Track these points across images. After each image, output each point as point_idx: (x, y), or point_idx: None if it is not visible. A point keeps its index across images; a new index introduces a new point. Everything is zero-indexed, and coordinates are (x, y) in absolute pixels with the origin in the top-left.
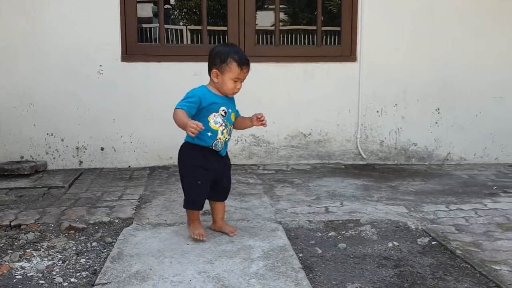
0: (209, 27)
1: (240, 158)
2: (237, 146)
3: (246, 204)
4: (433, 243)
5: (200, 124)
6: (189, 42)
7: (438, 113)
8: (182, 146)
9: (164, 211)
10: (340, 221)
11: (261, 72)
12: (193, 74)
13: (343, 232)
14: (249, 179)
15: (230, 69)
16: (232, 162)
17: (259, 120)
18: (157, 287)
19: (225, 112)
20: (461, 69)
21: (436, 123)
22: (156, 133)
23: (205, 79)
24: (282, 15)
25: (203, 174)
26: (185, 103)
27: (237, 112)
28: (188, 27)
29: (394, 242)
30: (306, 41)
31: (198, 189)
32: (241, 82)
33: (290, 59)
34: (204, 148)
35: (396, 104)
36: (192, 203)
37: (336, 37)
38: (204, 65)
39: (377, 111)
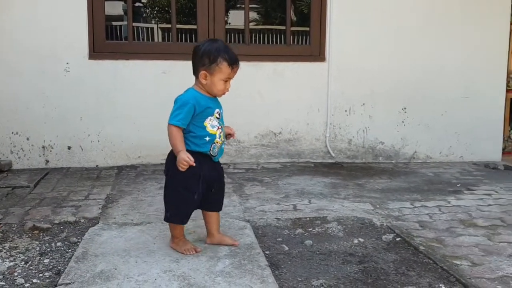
0: (179, 26)
1: None
2: None
3: None
4: (397, 239)
5: (192, 159)
6: (160, 40)
7: (405, 112)
8: (173, 154)
9: (131, 210)
10: (308, 219)
11: None
12: (161, 72)
13: (310, 229)
14: None
15: (220, 69)
16: None
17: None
18: (121, 286)
19: (219, 114)
20: (428, 69)
21: (403, 122)
22: (124, 132)
23: (173, 77)
24: (254, 15)
25: (198, 184)
26: (180, 117)
27: None
28: (159, 25)
29: (360, 239)
30: (278, 41)
31: (189, 200)
32: (230, 81)
33: (260, 58)
34: (200, 154)
35: (363, 104)
36: (180, 217)
37: (307, 37)
38: (173, 63)
39: (346, 111)
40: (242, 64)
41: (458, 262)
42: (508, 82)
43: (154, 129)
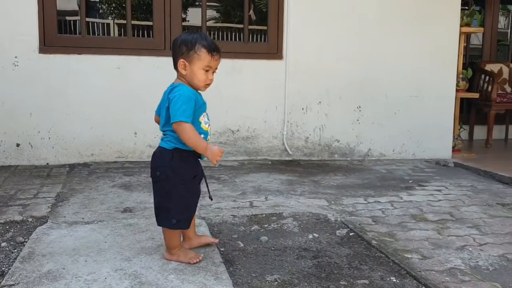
0: (135, 22)
1: None
2: None
3: None
4: (351, 234)
5: (223, 150)
6: (117, 36)
7: (360, 110)
8: (172, 155)
9: (82, 209)
10: (264, 215)
11: None
12: (115, 68)
13: (266, 225)
14: None
15: (199, 56)
16: None
17: None
18: (69, 286)
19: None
20: (381, 68)
21: (358, 120)
22: (76, 129)
23: (128, 73)
24: (214, 13)
25: (198, 186)
26: (188, 112)
27: None
28: (116, 21)
29: (314, 234)
30: (238, 39)
31: (193, 204)
32: (213, 72)
33: None
34: (195, 154)
35: (320, 102)
36: (187, 222)
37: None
38: (128, 59)
39: (302, 109)
40: None
41: (409, 256)
42: (458, 82)
43: (108, 126)
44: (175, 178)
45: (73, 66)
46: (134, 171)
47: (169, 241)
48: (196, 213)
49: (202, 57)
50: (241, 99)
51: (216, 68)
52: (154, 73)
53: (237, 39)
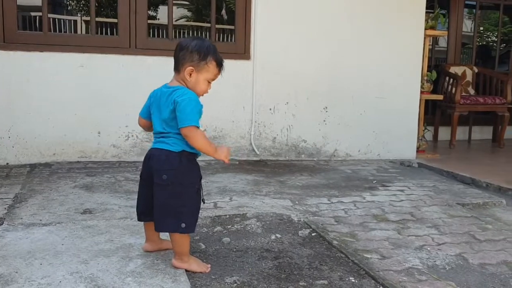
0: (101, 19)
1: (131, 154)
2: (128, 142)
3: (131, 202)
4: (313, 234)
5: (230, 148)
6: (83, 33)
7: (326, 111)
8: (180, 158)
9: (41, 210)
10: (227, 216)
11: (154, 66)
12: (79, 66)
13: (229, 226)
14: (139, 176)
15: (208, 68)
16: (122, 159)
17: None
18: None
19: None
20: (348, 70)
21: (324, 121)
22: (38, 128)
23: (92, 71)
24: (186, 12)
25: (202, 188)
26: (198, 117)
27: None
28: (83, 18)
29: (277, 235)
30: (207, 38)
31: (199, 206)
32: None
33: None
34: (196, 156)
35: (287, 102)
36: (193, 226)
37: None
38: (92, 57)
39: (270, 109)
40: (165, 59)
41: (368, 256)
42: (422, 84)
43: (70, 125)
44: (186, 181)
45: (34, 64)
46: (97, 172)
47: (181, 247)
48: None
49: (211, 69)
50: (208, 99)
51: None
52: (119, 72)
53: (207, 38)
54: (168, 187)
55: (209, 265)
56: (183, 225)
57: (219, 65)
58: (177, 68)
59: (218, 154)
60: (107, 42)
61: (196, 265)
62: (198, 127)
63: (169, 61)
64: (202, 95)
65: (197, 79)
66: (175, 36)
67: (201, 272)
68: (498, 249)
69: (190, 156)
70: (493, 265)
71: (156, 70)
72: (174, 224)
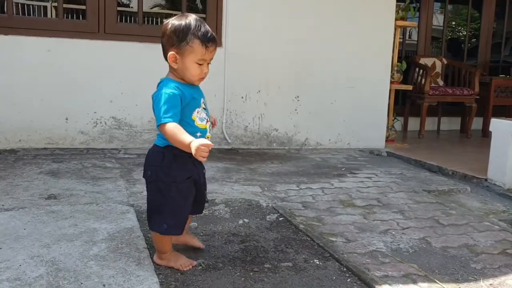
0: (70, 5)
1: (100, 141)
2: (96, 128)
3: (98, 188)
4: (280, 219)
5: (210, 143)
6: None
7: (298, 100)
8: (163, 154)
9: (4, 195)
10: None
11: (123, 52)
12: (46, 50)
13: None
14: (107, 163)
15: (192, 49)
16: (90, 146)
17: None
18: None
19: (205, 104)
20: (319, 59)
21: (296, 110)
22: (3, 114)
23: (60, 56)
24: (159, 0)
25: (192, 188)
26: (170, 113)
27: None
28: (53, 4)
29: (245, 219)
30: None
31: (185, 208)
32: (208, 64)
33: (154, 40)
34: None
35: (259, 91)
36: (176, 228)
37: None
38: (59, 41)
39: (242, 97)
40: (135, 45)
41: (333, 239)
42: (392, 74)
43: (37, 111)
44: (168, 179)
45: None
46: (64, 158)
47: (160, 246)
48: (125, 200)
49: (196, 49)
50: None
51: (212, 59)
52: (87, 57)
53: None
54: (151, 184)
55: (194, 262)
56: (165, 226)
57: (205, 42)
58: (164, 57)
59: (191, 149)
60: (75, 27)
61: (174, 263)
62: (168, 123)
63: (139, 47)
64: (198, 80)
65: (184, 64)
66: (147, 23)
67: (178, 269)
68: (460, 233)
69: (175, 151)
70: (454, 248)
71: (125, 56)
72: (158, 223)
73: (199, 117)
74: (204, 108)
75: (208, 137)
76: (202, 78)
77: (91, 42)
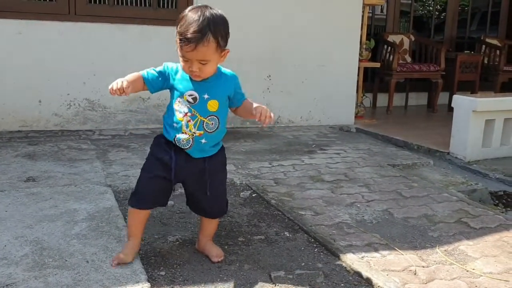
0: None
1: (74, 123)
2: (70, 110)
3: (75, 169)
4: (254, 195)
5: (124, 86)
6: None
7: (270, 79)
8: (157, 136)
9: None
10: None
11: (94, 33)
12: (17, 33)
13: (172, 191)
14: (82, 145)
15: (177, 42)
16: (65, 128)
17: (262, 118)
18: None
19: (194, 99)
20: (290, 38)
21: (268, 89)
22: None
23: (31, 39)
24: None
25: (159, 170)
26: (149, 69)
27: (239, 97)
28: None
29: None
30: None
31: (146, 183)
32: (198, 63)
33: (126, 20)
34: (169, 141)
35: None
36: (136, 201)
37: None
38: (30, 23)
39: None
40: (106, 26)
41: (303, 213)
42: (361, 52)
43: (9, 94)
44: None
45: None
46: (40, 141)
47: (128, 221)
48: (102, 180)
49: (178, 43)
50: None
51: (202, 60)
52: (58, 39)
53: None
54: None
55: (126, 259)
56: (131, 196)
57: (182, 39)
58: None
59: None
60: (45, 8)
61: (121, 250)
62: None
63: (110, 28)
64: (192, 75)
65: (180, 55)
66: (119, 3)
67: (112, 260)
68: (420, 204)
69: (160, 134)
70: (415, 218)
71: (97, 37)
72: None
73: (178, 108)
74: (189, 102)
75: (184, 132)
76: (196, 75)
77: (62, 24)
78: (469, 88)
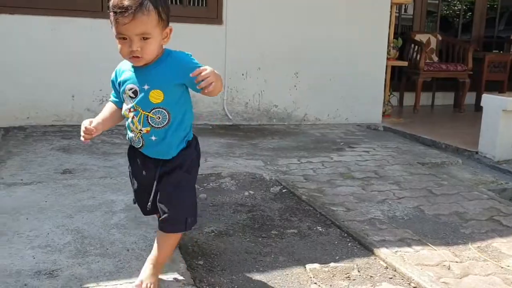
0: None
1: None
2: (102, 105)
3: (110, 163)
4: (284, 190)
5: (90, 127)
6: None
7: (297, 77)
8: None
9: (20, 171)
10: (203, 175)
11: None
12: (50, 29)
13: (205, 184)
14: (115, 139)
15: (111, 21)
16: None
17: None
18: (12, 241)
19: (134, 92)
20: (317, 37)
21: (295, 86)
22: (8, 92)
23: (63, 34)
24: None
25: (132, 177)
26: (112, 93)
27: (193, 86)
28: None
29: (250, 191)
30: (176, 2)
31: (134, 190)
32: (139, 40)
33: None
34: (134, 147)
35: (259, 68)
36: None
37: None
38: (62, 20)
39: (242, 74)
40: None
41: (334, 208)
42: (389, 50)
43: (43, 89)
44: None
45: (2, 27)
46: (73, 135)
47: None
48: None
49: (112, 20)
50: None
51: (142, 34)
52: (90, 35)
53: (176, 3)
54: None
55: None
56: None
57: (113, 9)
58: None
59: None
60: (78, 5)
61: None
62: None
63: None
64: (130, 59)
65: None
66: None
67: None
68: (451, 201)
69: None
70: (445, 215)
71: None
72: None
73: (125, 104)
74: (130, 97)
75: (132, 130)
76: (135, 57)
77: (94, 21)
78: (496, 88)
